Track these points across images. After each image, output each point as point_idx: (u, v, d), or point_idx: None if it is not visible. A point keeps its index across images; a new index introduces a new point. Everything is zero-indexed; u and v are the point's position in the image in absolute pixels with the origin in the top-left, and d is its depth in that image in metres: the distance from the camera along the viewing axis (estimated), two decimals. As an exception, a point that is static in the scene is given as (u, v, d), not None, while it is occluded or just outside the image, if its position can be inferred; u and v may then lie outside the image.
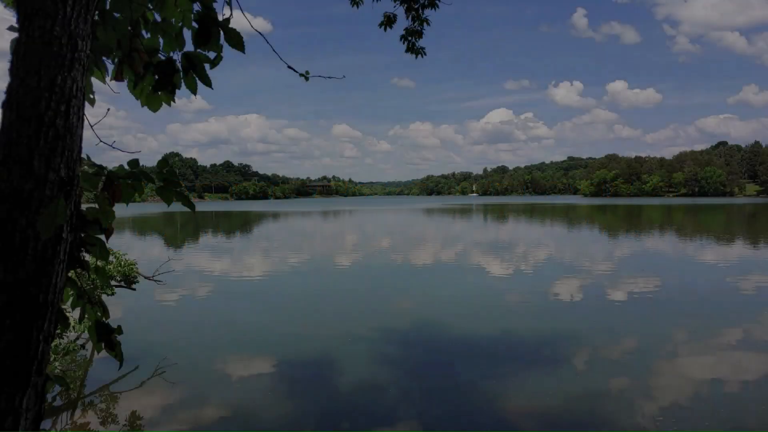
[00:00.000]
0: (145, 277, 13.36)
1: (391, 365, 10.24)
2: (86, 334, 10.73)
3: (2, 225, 1.74)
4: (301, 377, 9.70)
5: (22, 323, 1.75)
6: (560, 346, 11.32)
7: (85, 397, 8.93)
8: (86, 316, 2.58)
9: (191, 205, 2.66)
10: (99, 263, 3.10)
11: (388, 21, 8.99)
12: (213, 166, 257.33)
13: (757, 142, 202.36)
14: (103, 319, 2.60)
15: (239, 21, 2.65)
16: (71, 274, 2.51)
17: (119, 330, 2.54)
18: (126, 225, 56.19)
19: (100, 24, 2.46)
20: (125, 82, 2.68)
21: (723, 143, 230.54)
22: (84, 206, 2.30)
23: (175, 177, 2.59)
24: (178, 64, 2.60)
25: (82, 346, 10.49)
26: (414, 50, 9.26)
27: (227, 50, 2.59)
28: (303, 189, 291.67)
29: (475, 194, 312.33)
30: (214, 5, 2.52)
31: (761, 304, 15.27)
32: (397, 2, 8.88)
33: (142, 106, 2.74)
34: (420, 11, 8.94)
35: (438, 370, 9.97)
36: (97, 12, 2.38)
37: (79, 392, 9.16)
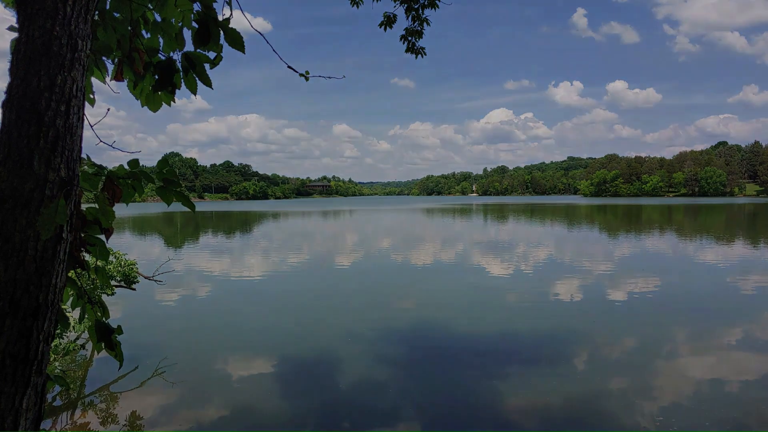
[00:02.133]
0: (145, 277, 13.37)
1: (391, 365, 10.24)
2: (86, 334, 10.73)
3: (2, 225, 1.74)
4: (301, 377, 9.70)
5: (22, 323, 1.75)
6: (560, 346, 11.32)
7: (85, 397, 8.93)
8: (86, 316, 2.58)
9: (191, 205, 2.66)
10: (99, 263, 3.10)
11: (388, 21, 8.99)
12: (213, 166, 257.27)
13: (757, 142, 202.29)
14: (103, 319, 2.61)
15: (239, 21, 2.65)
16: (71, 274, 2.51)
17: (119, 330, 2.54)
18: (126, 225, 56.20)
19: (100, 24, 2.46)
20: (125, 82, 2.69)
21: (723, 143, 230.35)
22: (84, 206, 2.30)
23: (175, 177, 2.59)
24: (178, 64, 2.60)
25: (82, 346, 10.50)
26: (414, 50, 9.25)
27: (227, 50, 2.59)
28: (303, 189, 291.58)
29: (475, 194, 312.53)
30: (214, 5, 2.52)
31: (761, 304, 15.27)
32: (397, 2, 8.88)
33: (142, 106, 2.74)
34: (420, 11, 8.93)
35: (438, 369, 9.97)
36: (97, 12, 2.38)
37: (79, 392, 9.16)
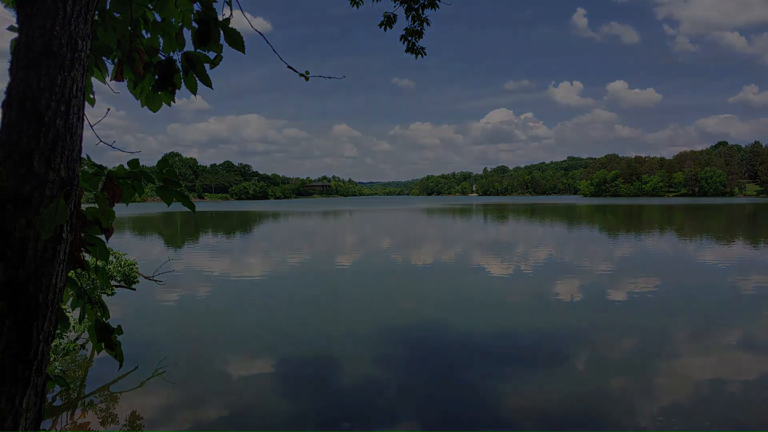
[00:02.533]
0: (145, 277, 13.38)
1: (391, 365, 10.24)
2: (86, 334, 10.73)
3: (2, 225, 1.74)
4: (301, 377, 9.70)
5: (22, 323, 1.75)
6: (560, 345, 11.32)
7: (85, 397, 8.93)
8: (86, 316, 2.58)
9: (191, 205, 2.66)
10: (99, 263, 3.10)
11: (388, 21, 8.99)
12: (213, 166, 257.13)
13: (757, 142, 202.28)
14: (103, 319, 2.60)
15: (239, 21, 2.65)
16: (71, 274, 2.51)
17: (119, 330, 2.54)
18: (126, 225, 56.19)
19: (100, 24, 2.46)
20: (125, 82, 2.68)
21: (723, 143, 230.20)
22: (84, 206, 2.30)
23: (175, 177, 2.59)
24: (178, 64, 2.60)
25: (82, 346, 10.50)
26: (414, 50, 9.25)
27: (227, 50, 2.59)
28: (303, 189, 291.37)
29: (475, 194, 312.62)
30: (214, 5, 2.52)
31: (761, 304, 15.26)
32: (397, 2, 8.87)
33: (142, 106, 2.74)
34: (420, 11, 8.93)
35: (438, 369, 9.97)
36: (97, 12, 2.38)
37: (79, 392, 9.16)
